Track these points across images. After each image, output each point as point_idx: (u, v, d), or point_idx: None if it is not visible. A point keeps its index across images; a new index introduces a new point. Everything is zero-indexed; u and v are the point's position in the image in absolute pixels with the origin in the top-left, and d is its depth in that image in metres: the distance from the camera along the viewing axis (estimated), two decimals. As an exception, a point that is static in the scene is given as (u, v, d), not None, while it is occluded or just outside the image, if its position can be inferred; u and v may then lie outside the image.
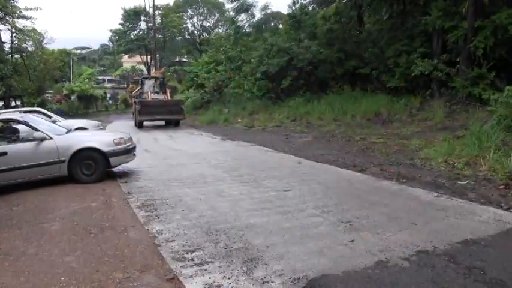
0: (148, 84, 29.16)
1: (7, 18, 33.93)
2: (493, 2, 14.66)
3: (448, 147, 10.21)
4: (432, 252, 4.69)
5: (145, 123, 25.77)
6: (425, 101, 16.80)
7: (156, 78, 30.52)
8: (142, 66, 59.33)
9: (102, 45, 77.63)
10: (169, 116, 25.29)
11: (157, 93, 27.83)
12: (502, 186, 7.42)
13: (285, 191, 7.84)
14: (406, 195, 7.25)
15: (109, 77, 62.61)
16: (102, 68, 69.79)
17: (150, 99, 26.30)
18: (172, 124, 26.32)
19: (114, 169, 10.23)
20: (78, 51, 72.05)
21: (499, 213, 6.01)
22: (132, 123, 28.56)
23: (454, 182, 7.97)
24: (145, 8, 51.20)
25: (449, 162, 9.37)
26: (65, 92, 46.83)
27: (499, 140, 9.63)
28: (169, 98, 28.00)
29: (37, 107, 28.03)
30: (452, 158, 9.55)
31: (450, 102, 15.38)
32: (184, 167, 10.99)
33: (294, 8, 28.01)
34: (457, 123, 13.57)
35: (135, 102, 28.51)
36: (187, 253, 4.98)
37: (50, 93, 47.78)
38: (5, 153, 8.84)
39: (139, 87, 32.32)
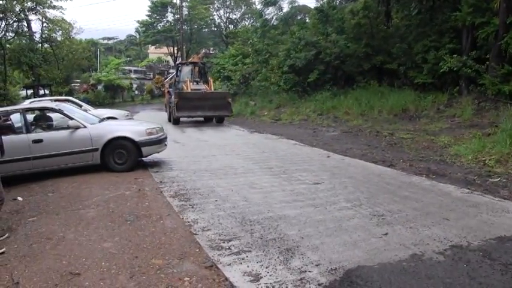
0: (185, 71, 24.37)
1: (38, 8, 34.49)
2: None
3: (478, 144, 10.13)
4: (466, 248, 4.72)
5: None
6: (453, 97, 16.63)
7: (195, 64, 25.22)
8: (168, 58, 59.76)
9: (129, 36, 78.31)
10: (213, 112, 20.78)
11: (197, 82, 22.72)
12: (534, 185, 7.38)
13: (315, 184, 7.92)
14: (437, 191, 7.25)
15: (135, 68, 63.12)
16: (128, 59, 70.28)
17: (189, 90, 21.27)
18: (214, 121, 22.23)
19: (144, 159, 10.40)
20: (105, 41, 72.87)
21: (533, 212, 5.98)
22: (161, 114, 27.11)
23: (485, 179, 7.94)
24: (172, 0, 51.43)
25: (479, 160, 9.32)
26: (92, 81, 47.44)
27: (530, 138, 9.53)
28: (212, 88, 22.88)
29: (65, 95, 28.58)
30: (482, 155, 9.49)
31: (479, 99, 15.21)
32: (214, 158, 11.13)
33: (322, 1, 27.93)
34: (486, 121, 13.42)
35: (168, 92, 24.95)
36: (223, 242, 5.09)
37: (77, 82, 48.46)
38: (40, 141, 9.08)
39: (173, 74, 28.33)
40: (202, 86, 22.21)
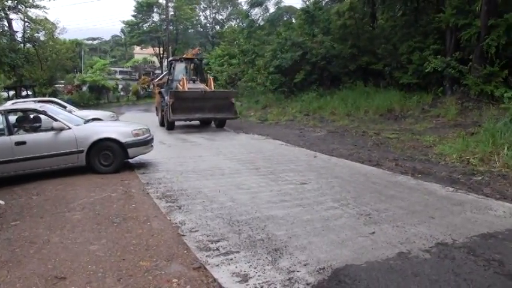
0: (180, 68, 21.22)
1: (19, 7, 34.11)
2: (505, 1, 14.78)
3: (462, 144, 10.25)
4: (451, 245, 4.80)
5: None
6: (438, 97, 16.86)
7: (190, 60, 22.32)
8: (154, 58, 59.52)
9: (114, 36, 77.84)
10: (214, 114, 18.03)
11: (194, 81, 19.66)
12: (516, 183, 7.49)
13: (302, 184, 7.95)
14: (422, 190, 7.33)
15: (120, 69, 62.77)
16: (113, 59, 69.95)
17: (185, 89, 18.33)
18: (212, 125, 19.82)
19: (131, 160, 10.34)
20: (90, 41, 72.34)
21: (515, 209, 6.08)
22: (147, 115, 26.03)
23: (469, 177, 8.04)
24: (158, 0, 51.26)
25: (463, 158, 9.43)
26: (76, 82, 47.06)
27: (512, 137, 9.68)
28: (212, 87, 19.91)
29: (48, 97, 28.28)
30: (466, 154, 9.60)
31: (462, 99, 15.41)
32: (201, 159, 11.10)
33: (308, 2, 28.07)
34: (470, 120, 13.59)
35: (160, 93, 21.29)
36: (211, 243, 5.09)
37: (61, 83, 48.00)
38: (23, 143, 8.97)
39: (165, 73, 26.26)
40: (200, 85, 19.16)
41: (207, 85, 19.64)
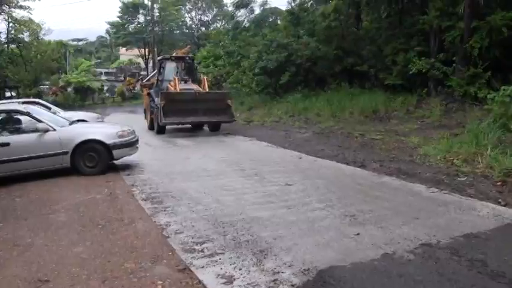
0: (170, 68, 19.77)
1: (3, 7, 33.80)
2: (488, 4, 14.99)
3: (446, 145, 10.33)
4: (436, 246, 4.83)
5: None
6: (422, 99, 17.03)
7: (181, 59, 20.74)
8: (139, 60, 59.25)
9: (99, 38, 77.31)
10: (208, 117, 16.88)
11: (186, 81, 18.25)
12: (499, 183, 7.54)
13: (288, 185, 7.95)
14: (407, 191, 7.39)
15: (106, 70, 62.43)
16: (98, 61, 69.50)
17: (177, 90, 17.01)
18: (205, 128, 18.79)
19: (116, 162, 10.27)
20: (75, 42, 71.80)
21: (498, 209, 6.15)
22: (133, 116, 25.49)
23: (453, 178, 8.10)
24: (143, 1, 51.05)
25: (447, 159, 9.49)
26: (61, 83, 46.68)
27: (495, 138, 9.76)
28: (206, 88, 18.38)
29: (33, 98, 28.00)
30: (450, 155, 9.66)
31: (446, 100, 15.59)
32: (186, 160, 11.08)
33: (293, 4, 28.16)
34: (454, 121, 13.73)
35: (149, 94, 19.82)
36: (196, 245, 5.08)
37: (46, 84, 47.61)
38: (7, 144, 8.90)
39: (154, 73, 24.57)
40: (192, 86, 17.87)
41: (200, 86, 18.34)
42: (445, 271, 4.18)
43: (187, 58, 21.01)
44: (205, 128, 18.69)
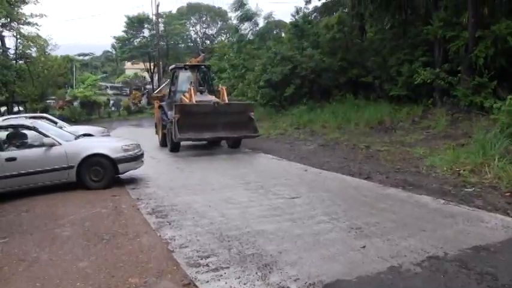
0: (184, 78, 17.82)
1: (12, 24, 34.15)
2: (492, 14, 15.03)
3: (452, 155, 10.28)
4: (443, 258, 4.77)
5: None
6: (428, 109, 16.96)
7: (196, 68, 18.48)
8: (145, 73, 59.55)
9: (105, 52, 77.80)
10: (230, 132, 14.80)
11: (201, 92, 16.22)
12: (507, 194, 7.48)
13: (293, 198, 7.92)
14: (413, 202, 7.33)
15: (111, 84, 62.75)
16: (104, 75, 69.86)
17: (193, 101, 15.18)
18: (223, 144, 17.04)
19: (121, 176, 10.29)
20: (81, 57, 72.29)
21: (507, 220, 6.08)
22: (139, 130, 25.16)
23: (460, 189, 8.04)
24: (148, 16, 51.46)
25: (454, 170, 9.42)
26: (68, 98, 46.92)
27: (502, 148, 9.69)
28: (225, 99, 16.32)
29: (40, 112, 28.19)
30: (457, 166, 9.60)
31: (452, 110, 15.51)
32: (191, 174, 11.08)
33: (297, 16, 28.24)
34: (460, 132, 13.65)
35: (160, 107, 18.12)
36: (201, 259, 5.05)
37: (53, 99, 47.87)
38: (14, 159, 8.96)
39: (165, 83, 23.28)
40: (210, 97, 16.04)
41: (220, 96, 16.44)
42: (453, 285, 4.12)
43: (202, 67, 19.03)
44: (223, 144, 17.16)
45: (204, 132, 14.38)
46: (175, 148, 15.25)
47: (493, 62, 14.23)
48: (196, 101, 15.09)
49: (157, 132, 18.94)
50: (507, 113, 10.90)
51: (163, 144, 17.01)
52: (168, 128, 15.80)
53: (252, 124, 14.98)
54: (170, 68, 19.77)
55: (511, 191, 7.55)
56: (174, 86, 17.94)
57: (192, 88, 15.64)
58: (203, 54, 24.58)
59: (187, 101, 15.68)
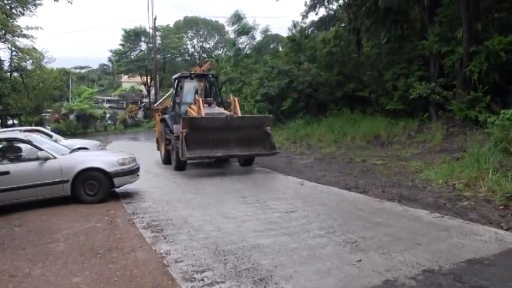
0: (189, 88, 16.19)
1: (7, 37, 34.20)
2: (485, 29, 15.23)
3: (447, 169, 10.34)
4: (438, 272, 4.77)
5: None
6: (424, 123, 17.10)
7: (203, 77, 16.78)
8: (141, 87, 59.64)
9: (102, 65, 77.93)
10: (244, 149, 13.20)
11: (209, 103, 14.55)
12: (501, 207, 7.51)
13: (289, 212, 7.91)
14: (409, 216, 7.34)
15: (108, 97, 62.80)
16: (101, 88, 69.94)
17: (202, 113, 13.48)
18: (234, 161, 15.56)
19: (117, 190, 10.25)
20: (77, 70, 72.29)
21: (500, 234, 6.11)
22: (135, 144, 25.15)
23: (454, 203, 8.05)
24: (145, 29, 51.70)
25: (449, 184, 9.48)
26: (63, 111, 46.90)
27: (496, 162, 9.77)
28: (238, 111, 14.30)
29: (35, 125, 28.14)
30: (452, 180, 9.66)
31: (448, 124, 15.62)
32: (187, 188, 11.05)
33: (294, 31, 28.44)
34: (455, 146, 13.72)
35: (163, 120, 16.54)
36: (196, 273, 5.03)
37: (48, 112, 47.84)
38: (7, 173, 8.89)
39: (168, 94, 21.59)
40: (219, 109, 14.48)
41: (226, 109, 14.87)
42: (447, 298, 4.12)
43: (209, 76, 17.19)
44: (233, 161, 15.80)
45: (214, 149, 12.80)
46: (181, 167, 13.78)
47: (486, 77, 14.39)
48: (205, 114, 13.46)
49: (159, 148, 17.41)
50: (501, 127, 11.02)
51: (166, 161, 15.57)
52: (173, 143, 14.32)
53: (268, 140, 13.37)
54: (174, 77, 17.72)
55: (504, 205, 7.58)
56: (179, 97, 16.06)
57: (200, 99, 13.99)
58: (209, 62, 23.17)
59: (195, 114, 13.95)
